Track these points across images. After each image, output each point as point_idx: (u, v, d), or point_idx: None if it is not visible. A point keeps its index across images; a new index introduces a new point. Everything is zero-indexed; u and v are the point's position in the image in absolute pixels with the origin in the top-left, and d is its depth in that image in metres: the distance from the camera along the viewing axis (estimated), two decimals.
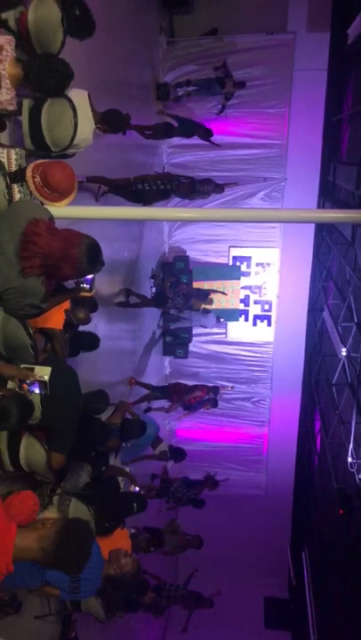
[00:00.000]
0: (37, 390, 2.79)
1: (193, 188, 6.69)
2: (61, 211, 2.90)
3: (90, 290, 3.07)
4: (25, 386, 2.78)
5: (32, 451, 3.20)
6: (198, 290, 8.48)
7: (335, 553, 7.49)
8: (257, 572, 10.80)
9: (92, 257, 2.16)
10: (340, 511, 6.21)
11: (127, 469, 5.07)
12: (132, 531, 5.00)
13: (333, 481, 6.94)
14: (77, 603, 4.00)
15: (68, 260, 2.10)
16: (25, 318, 2.59)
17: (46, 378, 2.80)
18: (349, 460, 6.17)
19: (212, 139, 7.65)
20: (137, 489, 5.05)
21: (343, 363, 7.04)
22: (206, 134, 7.43)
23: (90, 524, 3.07)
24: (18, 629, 3.71)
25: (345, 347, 6.83)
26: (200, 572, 7.58)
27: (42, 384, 2.79)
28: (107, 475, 4.41)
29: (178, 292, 7.98)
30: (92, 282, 3.05)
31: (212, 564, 9.34)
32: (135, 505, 4.29)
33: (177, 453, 7.48)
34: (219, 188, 7.25)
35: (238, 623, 9.97)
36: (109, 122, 3.98)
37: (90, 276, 3.00)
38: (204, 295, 8.39)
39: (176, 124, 7.23)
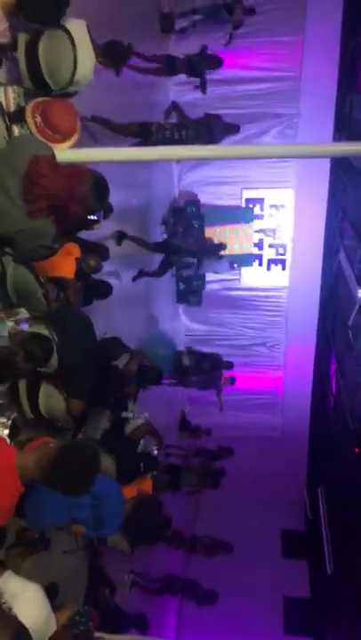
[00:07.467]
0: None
1: (209, 127, 6.18)
2: (62, 154, 2.78)
3: (99, 221, 3.04)
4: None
5: (51, 398, 3.25)
6: (212, 245, 8.28)
7: (351, 490, 7.68)
8: (274, 507, 11.18)
9: (100, 193, 2.09)
10: (356, 450, 6.32)
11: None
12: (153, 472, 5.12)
13: (349, 421, 7.02)
14: (104, 538, 4.18)
15: (75, 199, 2.03)
16: (38, 260, 2.55)
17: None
18: None
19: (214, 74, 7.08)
20: (155, 452, 5.05)
21: (360, 304, 6.94)
22: (216, 63, 6.83)
23: (97, 448, 3.09)
24: (47, 564, 3.90)
25: None
26: (220, 511, 7.78)
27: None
28: (136, 436, 4.46)
29: (187, 238, 7.79)
30: (100, 214, 3.02)
31: (230, 502, 9.69)
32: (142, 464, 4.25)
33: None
34: (233, 128, 6.66)
35: (256, 553, 10.43)
36: (111, 54, 3.75)
37: None
38: (218, 248, 8.23)
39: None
